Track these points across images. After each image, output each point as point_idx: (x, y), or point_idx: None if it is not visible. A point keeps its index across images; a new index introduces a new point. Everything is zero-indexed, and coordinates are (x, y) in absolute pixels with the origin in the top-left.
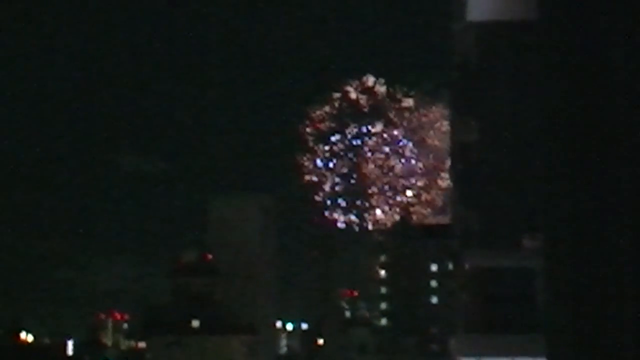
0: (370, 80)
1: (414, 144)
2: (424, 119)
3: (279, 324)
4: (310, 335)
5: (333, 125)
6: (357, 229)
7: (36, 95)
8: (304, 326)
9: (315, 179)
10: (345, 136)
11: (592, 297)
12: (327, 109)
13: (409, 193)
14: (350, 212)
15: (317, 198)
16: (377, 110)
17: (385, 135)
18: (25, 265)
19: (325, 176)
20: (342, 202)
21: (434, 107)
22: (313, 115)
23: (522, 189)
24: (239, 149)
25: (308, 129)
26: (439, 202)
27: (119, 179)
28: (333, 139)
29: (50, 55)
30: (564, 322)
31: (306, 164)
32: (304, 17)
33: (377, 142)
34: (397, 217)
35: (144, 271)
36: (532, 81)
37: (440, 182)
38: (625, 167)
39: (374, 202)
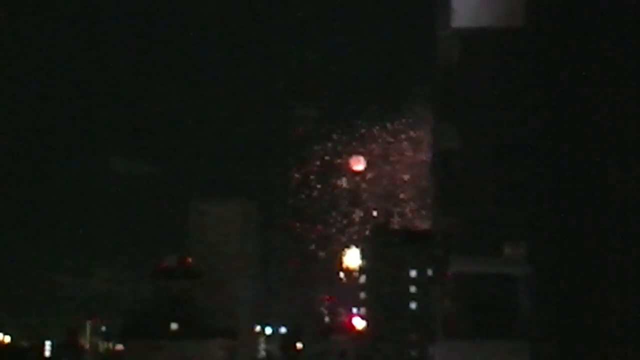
0: None
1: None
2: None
3: (257, 328)
4: (289, 339)
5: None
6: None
7: (25, 96)
8: (283, 331)
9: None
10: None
11: (575, 304)
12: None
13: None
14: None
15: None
16: None
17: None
18: (4, 267)
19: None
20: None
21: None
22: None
23: (504, 196)
24: (224, 154)
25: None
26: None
27: (102, 183)
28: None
29: (39, 58)
30: (546, 329)
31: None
32: (287, 22)
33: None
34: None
35: (123, 275)
36: (517, 89)
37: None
38: (609, 174)
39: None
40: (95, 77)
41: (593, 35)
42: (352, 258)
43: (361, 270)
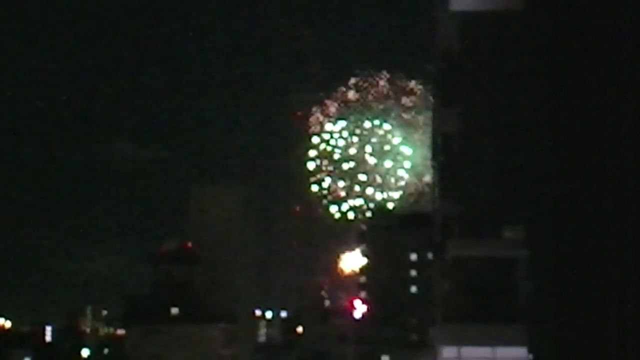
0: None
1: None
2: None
3: (258, 312)
4: (290, 324)
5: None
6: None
7: (31, 82)
8: (284, 315)
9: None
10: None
11: (573, 288)
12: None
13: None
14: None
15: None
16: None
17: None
18: (6, 252)
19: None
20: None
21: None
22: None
23: (504, 179)
24: (225, 140)
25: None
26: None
27: (103, 168)
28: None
29: (44, 47)
30: (545, 312)
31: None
32: (288, 8)
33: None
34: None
35: (124, 260)
36: (516, 72)
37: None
38: (607, 158)
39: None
40: (101, 64)
41: (591, 18)
42: (352, 260)
43: (362, 254)
